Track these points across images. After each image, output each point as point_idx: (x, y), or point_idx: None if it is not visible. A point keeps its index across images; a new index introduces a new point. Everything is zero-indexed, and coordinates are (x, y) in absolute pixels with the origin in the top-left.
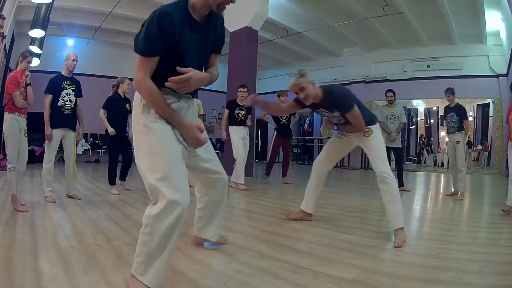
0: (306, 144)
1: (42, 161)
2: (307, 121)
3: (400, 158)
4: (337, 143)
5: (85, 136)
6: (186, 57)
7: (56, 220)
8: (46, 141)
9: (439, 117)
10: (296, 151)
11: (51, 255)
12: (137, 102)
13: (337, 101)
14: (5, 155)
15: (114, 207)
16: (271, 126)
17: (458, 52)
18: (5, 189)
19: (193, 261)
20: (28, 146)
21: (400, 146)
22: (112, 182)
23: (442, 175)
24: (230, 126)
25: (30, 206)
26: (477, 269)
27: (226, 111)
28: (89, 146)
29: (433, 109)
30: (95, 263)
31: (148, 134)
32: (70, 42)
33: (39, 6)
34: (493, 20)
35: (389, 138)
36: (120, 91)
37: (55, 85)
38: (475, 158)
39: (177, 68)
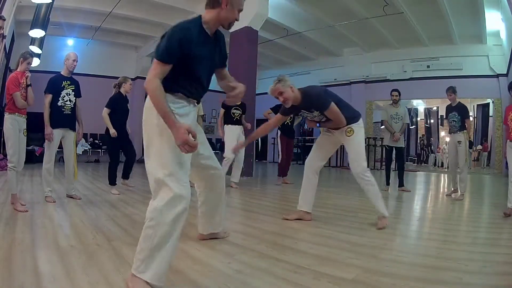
0: (306, 144)
1: (42, 161)
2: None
3: (402, 158)
4: (325, 140)
5: (85, 136)
6: (199, 69)
7: (56, 220)
8: (46, 141)
9: (439, 117)
10: (296, 151)
11: (51, 255)
12: (150, 104)
13: (313, 101)
14: (5, 155)
15: (114, 207)
16: None
17: (458, 52)
18: (5, 189)
19: (193, 261)
20: (28, 146)
21: (403, 146)
22: (112, 182)
23: (442, 175)
24: (225, 125)
25: (30, 206)
26: (477, 269)
27: (222, 110)
28: (89, 146)
29: (433, 109)
30: (95, 263)
31: (160, 134)
32: (70, 42)
33: (39, 6)
34: (493, 20)
35: (393, 138)
36: (122, 91)
37: (55, 85)
38: (475, 158)
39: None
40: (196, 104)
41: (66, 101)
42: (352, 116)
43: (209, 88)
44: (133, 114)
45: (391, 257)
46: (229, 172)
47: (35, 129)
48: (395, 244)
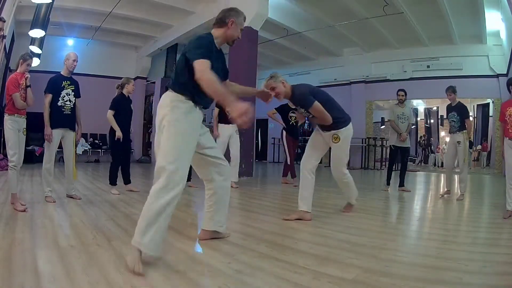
0: (304, 144)
1: (42, 161)
2: (307, 121)
3: (406, 158)
4: (316, 139)
5: (85, 136)
6: None
7: (56, 220)
8: (46, 141)
9: (439, 117)
10: (296, 151)
11: (51, 255)
12: (165, 103)
13: (297, 99)
14: (5, 155)
15: (114, 207)
16: (271, 126)
17: (458, 52)
18: (5, 189)
19: (193, 261)
20: (28, 146)
21: (409, 146)
22: (113, 182)
23: (442, 175)
24: (219, 124)
25: (30, 206)
26: (477, 269)
27: (216, 110)
28: (89, 146)
29: (433, 109)
30: (95, 263)
31: (169, 129)
32: (70, 42)
33: (39, 6)
34: (493, 20)
35: (400, 138)
36: (124, 92)
37: (55, 85)
38: (475, 158)
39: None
40: (203, 109)
41: (66, 101)
42: (341, 118)
43: None
44: (133, 114)
45: (391, 257)
46: None
47: (35, 129)
48: (395, 244)
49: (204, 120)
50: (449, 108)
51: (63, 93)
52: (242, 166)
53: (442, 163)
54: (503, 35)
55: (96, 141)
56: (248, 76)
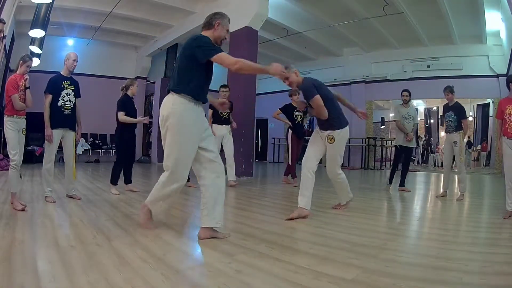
0: (306, 144)
1: (42, 161)
2: (307, 121)
3: (410, 158)
4: (316, 138)
5: (85, 136)
6: (211, 74)
7: (56, 220)
8: (46, 141)
9: (439, 117)
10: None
11: (51, 255)
12: (168, 105)
13: (303, 88)
14: (5, 155)
15: (114, 207)
16: (271, 126)
17: (458, 52)
18: (5, 189)
19: (193, 261)
20: (28, 146)
21: (414, 146)
22: (114, 182)
23: (442, 175)
24: (213, 124)
25: (30, 206)
26: (477, 269)
27: (210, 111)
28: (89, 146)
29: (433, 109)
30: (95, 263)
31: (173, 134)
32: (70, 42)
33: (39, 6)
34: (493, 20)
35: (406, 138)
36: (129, 93)
37: (55, 85)
38: (475, 158)
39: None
40: (202, 104)
41: (66, 101)
42: (337, 119)
43: (209, 88)
44: None
45: (391, 257)
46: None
47: (35, 129)
48: (395, 244)
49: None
50: (447, 108)
51: (63, 93)
52: (242, 166)
53: (442, 163)
54: (503, 35)
55: (96, 141)
56: (248, 76)
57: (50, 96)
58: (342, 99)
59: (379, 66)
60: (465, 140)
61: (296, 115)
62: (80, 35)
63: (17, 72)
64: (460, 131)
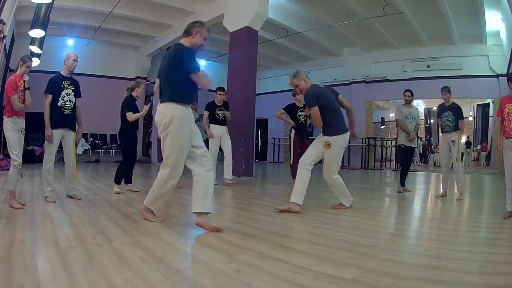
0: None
1: (42, 161)
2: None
3: (411, 159)
4: (318, 141)
5: (85, 136)
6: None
7: (56, 220)
8: (46, 141)
9: None
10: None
11: (51, 255)
12: (166, 114)
13: (306, 95)
14: (5, 155)
15: (114, 207)
16: (271, 126)
17: (458, 52)
18: (5, 189)
19: (193, 261)
20: (28, 146)
21: (416, 146)
22: (117, 181)
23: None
24: (210, 124)
25: (30, 206)
26: (477, 269)
27: (206, 113)
28: (89, 146)
29: (433, 109)
30: (95, 263)
31: (172, 138)
32: (70, 42)
33: (39, 6)
34: (493, 20)
35: (408, 138)
36: (134, 94)
37: (55, 85)
38: (475, 158)
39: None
40: (192, 106)
41: (66, 101)
42: (335, 126)
43: (209, 88)
44: None
45: (391, 257)
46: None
47: (35, 129)
48: (395, 244)
49: (198, 121)
50: (443, 108)
51: (63, 93)
52: (242, 166)
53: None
54: (503, 35)
55: (96, 141)
56: (248, 76)
57: (50, 96)
58: (350, 112)
59: (379, 66)
60: (463, 140)
61: (299, 115)
62: (80, 35)
63: (17, 72)
64: (458, 131)
